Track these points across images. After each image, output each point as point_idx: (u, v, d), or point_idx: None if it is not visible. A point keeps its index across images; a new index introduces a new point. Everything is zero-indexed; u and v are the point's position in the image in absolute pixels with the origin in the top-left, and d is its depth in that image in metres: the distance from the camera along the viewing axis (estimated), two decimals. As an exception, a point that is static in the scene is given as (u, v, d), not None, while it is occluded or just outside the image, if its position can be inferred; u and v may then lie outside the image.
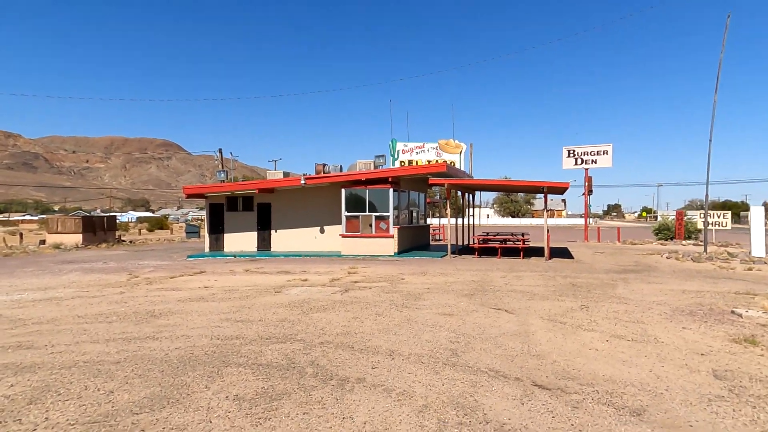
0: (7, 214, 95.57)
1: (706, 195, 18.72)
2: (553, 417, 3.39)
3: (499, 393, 3.83)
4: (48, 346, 5.38)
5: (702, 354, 4.99)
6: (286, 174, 19.16)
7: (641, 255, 17.62)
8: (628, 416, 3.44)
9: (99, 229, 26.83)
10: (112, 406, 3.57)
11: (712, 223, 23.10)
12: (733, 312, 7.00)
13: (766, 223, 17.12)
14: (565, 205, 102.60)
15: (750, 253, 16.64)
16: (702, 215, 23.01)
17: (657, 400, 3.74)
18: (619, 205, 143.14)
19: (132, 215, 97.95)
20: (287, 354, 4.80)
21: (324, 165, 18.77)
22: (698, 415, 3.47)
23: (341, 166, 19.20)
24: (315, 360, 4.59)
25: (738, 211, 48.96)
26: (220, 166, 29.18)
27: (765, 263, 14.26)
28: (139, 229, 49.07)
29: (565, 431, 3.18)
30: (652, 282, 10.39)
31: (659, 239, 26.06)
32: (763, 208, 17.78)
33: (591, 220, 45.29)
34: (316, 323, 6.18)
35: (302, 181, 17.50)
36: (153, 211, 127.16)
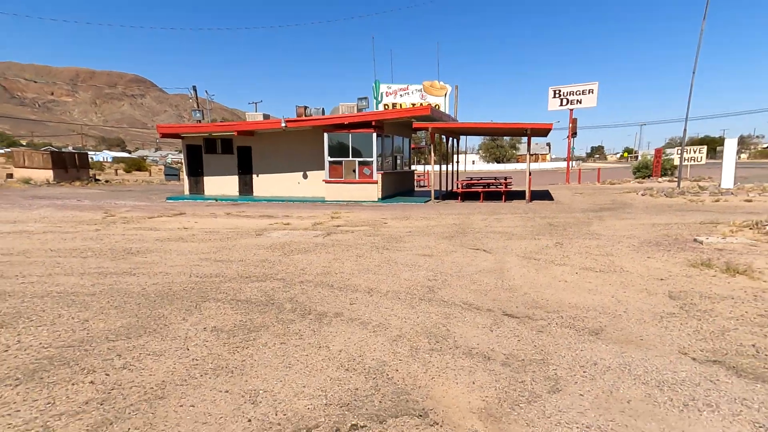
0: None
1: (684, 130, 18.82)
2: (518, 340, 3.61)
3: (471, 323, 4.02)
4: (19, 276, 5.38)
5: (661, 279, 5.31)
6: (266, 116, 18.46)
7: (618, 194, 18.04)
8: (587, 336, 3.71)
9: (70, 167, 26.02)
10: (87, 333, 3.63)
11: (687, 159, 23.44)
12: (695, 240, 7.37)
13: (739, 157, 17.76)
14: (549, 148, 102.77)
15: (719, 185, 17.22)
16: (678, 152, 23.31)
17: (615, 321, 4.03)
18: (602, 147, 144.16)
19: (107, 155, 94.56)
20: (266, 291, 4.88)
21: (305, 108, 18.06)
22: (649, 330, 3.79)
23: (323, 109, 18.52)
24: (294, 297, 4.68)
25: (715, 146, 49.66)
26: (195, 105, 27.80)
27: (732, 194, 14.83)
28: (116, 170, 47.65)
29: (527, 351, 3.41)
30: (625, 218, 10.72)
31: (637, 178, 26.63)
32: (736, 140, 18.09)
33: (574, 162, 45.66)
34: (297, 264, 6.24)
35: (283, 124, 16.92)
36: (130, 152, 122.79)
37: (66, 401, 2.61)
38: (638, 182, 24.53)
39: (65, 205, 13.79)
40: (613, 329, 3.84)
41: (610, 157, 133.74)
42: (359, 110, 17.70)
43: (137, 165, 52.83)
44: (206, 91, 30.18)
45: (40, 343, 3.42)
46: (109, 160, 76.79)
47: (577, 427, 2.45)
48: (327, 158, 16.73)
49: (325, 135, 16.58)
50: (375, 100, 26.38)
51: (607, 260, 6.32)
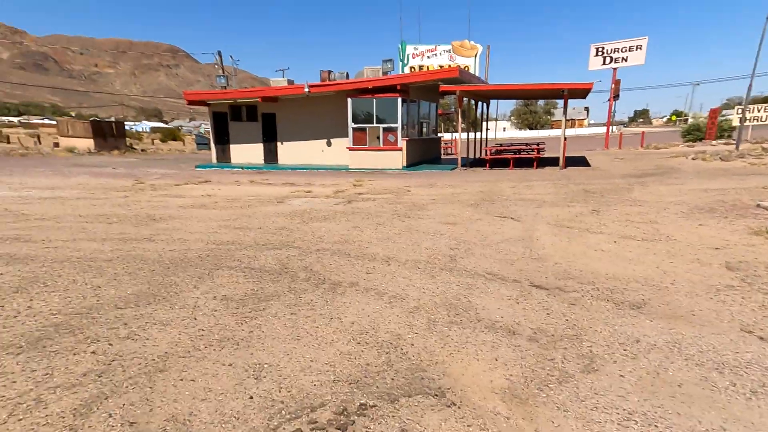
0: (26, 117, 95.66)
1: (750, 86, 16.58)
2: (548, 314, 3.31)
3: (495, 294, 3.72)
4: (45, 240, 5.46)
5: (716, 248, 4.78)
6: (290, 82, 18.10)
7: (664, 158, 16.73)
8: (627, 309, 3.35)
9: (109, 136, 26.87)
10: (97, 300, 3.57)
11: (750, 119, 20.85)
12: (758, 206, 6.62)
13: None
14: (587, 113, 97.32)
15: (789, 145, 15.41)
16: (739, 111, 20.86)
17: (660, 294, 3.62)
18: (647, 110, 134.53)
19: (146, 125, 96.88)
20: (281, 259, 4.72)
21: (329, 72, 17.54)
22: (703, 305, 3.37)
23: (347, 73, 17.90)
24: (309, 265, 4.50)
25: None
26: (220, 71, 27.63)
27: (805, 154, 13.18)
28: (152, 139, 48.96)
29: (558, 326, 3.10)
30: (671, 183, 9.86)
31: (687, 141, 24.48)
32: None
33: (614, 127, 42.88)
34: (315, 232, 6.05)
35: (306, 90, 16.53)
36: (166, 122, 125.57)
37: (64, 373, 2.53)
38: (688, 146, 22.51)
39: (101, 173, 14.26)
40: (659, 303, 3.45)
41: (655, 121, 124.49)
42: (384, 73, 17.01)
43: (172, 135, 54.02)
44: (231, 56, 29.99)
45: (50, 310, 3.39)
46: (147, 130, 78.81)
47: (618, 413, 2.15)
48: (351, 125, 16.32)
49: (349, 100, 16.10)
50: (401, 63, 25.37)
51: (651, 228, 5.78)
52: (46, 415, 2.15)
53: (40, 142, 30.08)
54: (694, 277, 3.94)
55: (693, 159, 15.05)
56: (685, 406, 2.19)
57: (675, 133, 34.24)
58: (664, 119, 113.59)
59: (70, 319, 3.23)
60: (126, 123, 43.10)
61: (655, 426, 2.07)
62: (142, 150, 30.14)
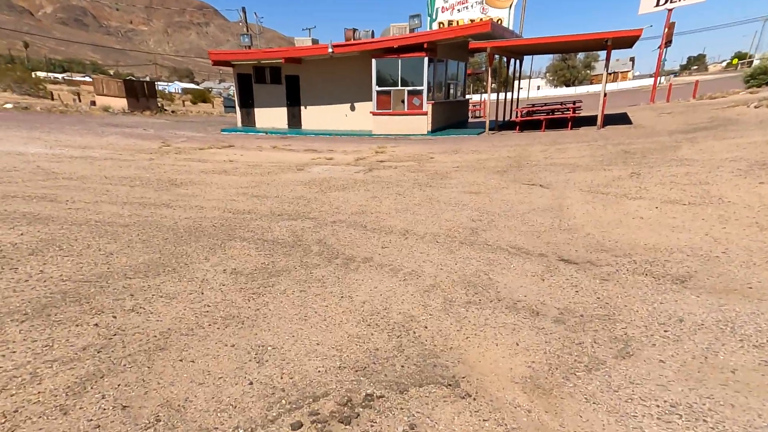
0: (69, 74, 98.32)
1: None
2: (576, 291, 3.06)
3: (518, 270, 3.47)
4: (69, 201, 5.51)
5: None
6: (314, 41, 17.43)
7: (720, 109, 15.14)
8: (669, 284, 3.03)
9: (141, 96, 27.21)
10: (108, 268, 3.53)
11: None
12: None
13: None
14: (632, 64, 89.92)
15: None
16: None
17: (709, 265, 3.26)
18: (703, 56, 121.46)
19: (178, 86, 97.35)
20: (295, 231, 4.57)
21: (354, 30, 16.72)
22: (762, 276, 2.99)
23: (372, 31, 16.96)
24: (323, 238, 4.33)
25: None
26: (244, 29, 26.90)
27: None
28: (183, 101, 49.42)
29: (588, 305, 2.85)
30: (727, 138, 8.82)
31: (750, 87, 21.67)
32: None
33: (663, 78, 39.31)
34: (332, 202, 5.87)
35: (330, 50, 15.86)
36: (197, 83, 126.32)
37: (64, 345, 2.48)
38: (750, 92, 19.82)
39: (131, 133, 14.44)
40: (708, 275, 3.09)
41: (712, 67, 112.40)
42: (411, 30, 16.05)
43: (202, 97, 54.21)
44: (255, 14, 29.23)
45: (61, 276, 3.36)
46: (179, 91, 79.35)
47: (658, 406, 1.90)
48: (375, 87, 15.68)
49: (374, 61, 15.37)
50: (429, 18, 23.83)
51: (700, 190, 5.23)
52: (39, 392, 2.09)
53: (80, 100, 30.84)
54: (751, 245, 3.51)
55: (756, 107, 13.36)
56: (741, 397, 1.92)
57: (736, 80, 30.72)
58: (723, 64, 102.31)
59: (78, 286, 3.19)
60: (159, 83, 43.41)
61: (704, 421, 1.82)
62: (173, 111, 30.49)
